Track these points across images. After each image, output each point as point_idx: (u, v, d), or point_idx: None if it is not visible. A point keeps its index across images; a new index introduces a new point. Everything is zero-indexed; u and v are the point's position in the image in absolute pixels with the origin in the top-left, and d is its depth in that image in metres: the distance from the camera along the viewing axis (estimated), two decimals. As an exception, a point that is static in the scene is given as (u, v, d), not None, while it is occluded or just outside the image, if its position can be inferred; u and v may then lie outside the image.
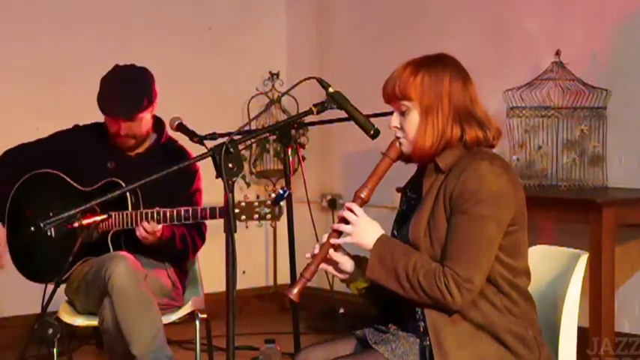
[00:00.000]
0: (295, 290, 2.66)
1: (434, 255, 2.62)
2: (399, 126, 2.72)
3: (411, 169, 2.84)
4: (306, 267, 2.69)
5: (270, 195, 3.51)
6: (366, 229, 2.67)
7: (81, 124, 4.13)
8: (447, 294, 2.56)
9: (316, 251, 2.70)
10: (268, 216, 3.34)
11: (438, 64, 2.71)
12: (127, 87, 3.92)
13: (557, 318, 2.74)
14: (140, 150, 4.06)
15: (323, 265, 2.73)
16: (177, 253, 3.98)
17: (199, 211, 3.76)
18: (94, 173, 3.96)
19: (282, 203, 3.32)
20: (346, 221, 2.68)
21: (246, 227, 3.27)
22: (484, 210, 2.57)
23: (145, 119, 3.97)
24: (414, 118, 2.69)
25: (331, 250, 2.72)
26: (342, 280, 2.81)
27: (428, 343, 2.62)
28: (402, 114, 2.71)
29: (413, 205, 2.78)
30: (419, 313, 2.65)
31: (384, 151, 2.73)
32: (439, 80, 2.67)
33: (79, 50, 5.46)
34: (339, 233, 2.70)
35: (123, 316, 3.67)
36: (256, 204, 3.33)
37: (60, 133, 4.13)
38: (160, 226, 3.77)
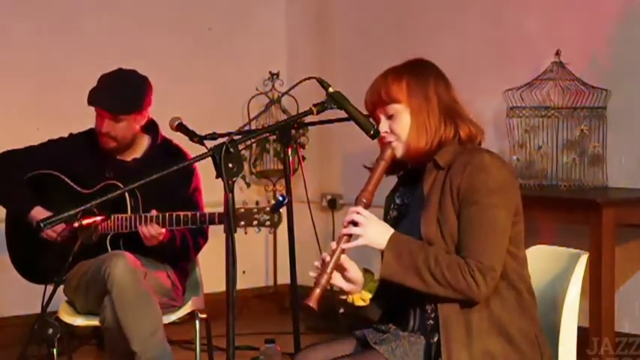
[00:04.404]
0: (314, 298, 2.59)
1: (447, 250, 2.62)
2: (388, 130, 2.73)
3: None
4: (320, 274, 2.62)
5: (269, 201, 3.51)
6: (376, 229, 2.65)
7: (80, 125, 4.12)
8: (474, 284, 2.56)
9: (327, 259, 2.64)
10: (267, 223, 3.33)
11: (420, 67, 2.76)
12: (120, 86, 3.92)
13: (557, 318, 2.74)
14: (137, 155, 4.05)
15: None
16: (177, 253, 3.98)
17: (199, 215, 3.76)
18: (93, 182, 3.95)
19: (282, 209, 3.31)
20: (354, 224, 2.65)
21: (245, 233, 3.26)
22: (495, 199, 2.60)
23: (130, 125, 3.95)
24: (405, 120, 2.71)
25: (342, 256, 2.67)
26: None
27: (436, 340, 2.62)
28: (390, 117, 2.73)
29: (403, 211, 2.79)
30: (428, 310, 2.65)
31: (378, 157, 2.74)
32: (424, 82, 2.72)
33: (79, 50, 5.45)
34: (349, 238, 2.66)
35: (123, 313, 3.67)
36: (255, 210, 3.32)
37: (54, 141, 4.11)
38: (163, 229, 3.77)
